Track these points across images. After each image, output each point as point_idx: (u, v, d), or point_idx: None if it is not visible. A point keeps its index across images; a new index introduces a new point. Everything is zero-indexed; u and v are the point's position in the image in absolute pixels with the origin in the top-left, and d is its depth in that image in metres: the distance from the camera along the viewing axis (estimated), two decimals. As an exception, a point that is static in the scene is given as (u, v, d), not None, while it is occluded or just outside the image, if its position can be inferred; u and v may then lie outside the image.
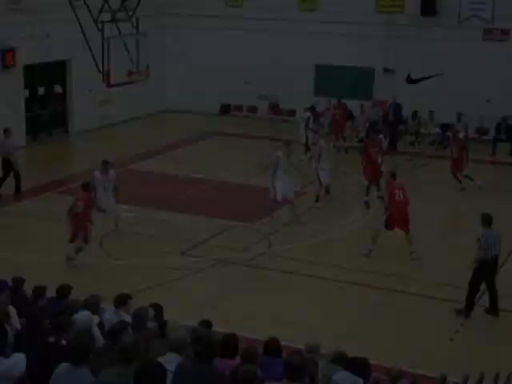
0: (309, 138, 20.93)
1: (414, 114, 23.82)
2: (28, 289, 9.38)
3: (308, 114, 21.49)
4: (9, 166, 17.50)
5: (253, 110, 26.37)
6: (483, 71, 22.98)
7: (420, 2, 23.71)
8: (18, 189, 17.70)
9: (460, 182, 18.72)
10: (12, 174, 17.55)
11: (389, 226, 14.16)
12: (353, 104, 23.96)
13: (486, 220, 11.70)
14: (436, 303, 12.27)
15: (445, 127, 23.28)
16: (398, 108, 23.35)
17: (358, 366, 6.93)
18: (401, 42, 24.10)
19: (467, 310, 11.73)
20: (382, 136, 18.84)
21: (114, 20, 18.06)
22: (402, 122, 23.66)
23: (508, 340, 11.16)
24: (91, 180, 14.46)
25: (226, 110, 26.50)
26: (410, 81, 24.38)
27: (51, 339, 6.26)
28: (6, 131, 17.59)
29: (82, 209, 13.32)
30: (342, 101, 23.37)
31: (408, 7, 24.11)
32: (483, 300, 12.01)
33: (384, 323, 11.62)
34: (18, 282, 9.32)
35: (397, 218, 14.06)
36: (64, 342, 5.99)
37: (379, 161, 17.38)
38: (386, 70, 24.57)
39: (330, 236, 15.43)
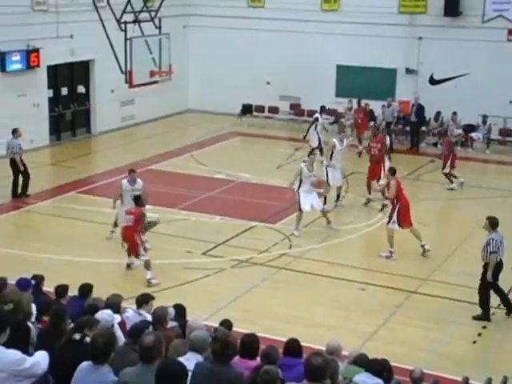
0: (321, 140, 20.50)
1: (437, 114, 23.66)
2: (48, 287, 9.47)
3: (316, 115, 21.13)
4: (15, 167, 17.19)
5: (274, 110, 26.36)
6: (507, 72, 22.77)
7: (443, 3, 23.50)
8: (23, 191, 17.29)
9: (450, 180, 18.87)
10: (20, 174, 17.28)
11: (405, 223, 14.17)
12: (375, 105, 23.90)
13: (495, 223, 11.67)
14: (458, 305, 12.17)
15: (468, 128, 23.15)
16: (420, 109, 23.19)
17: (379, 367, 6.90)
18: (423, 42, 23.95)
19: (484, 314, 11.68)
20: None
21: (137, 21, 18.18)
22: (424, 123, 23.48)
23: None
24: (119, 189, 14.20)
25: (247, 110, 26.52)
26: (433, 82, 24.19)
27: (76, 336, 6.30)
28: (14, 131, 17.31)
29: (132, 222, 12.88)
30: (364, 103, 23.24)
31: (431, 7, 23.93)
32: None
33: (405, 325, 11.55)
34: (39, 279, 9.40)
35: (407, 211, 14.21)
36: (88, 340, 6.02)
37: (383, 159, 17.30)
38: (409, 71, 24.42)
39: (351, 237, 15.37)
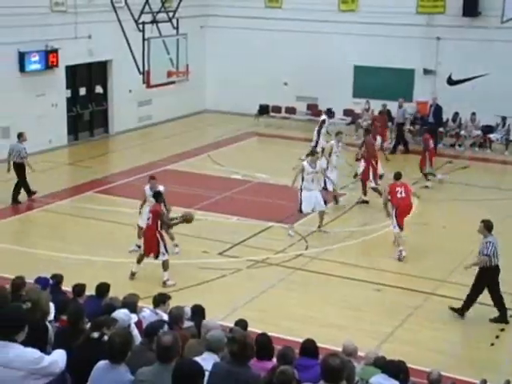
0: (319, 143, 20.07)
1: (455, 115, 23.52)
2: (65, 286, 9.53)
3: (324, 117, 20.81)
4: (22, 170, 16.97)
5: (291, 111, 26.34)
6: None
7: (462, 3, 23.35)
8: (15, 198, 16.95)
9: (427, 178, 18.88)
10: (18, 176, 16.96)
11: (401, 225, 14.28)
12: (393, 106, 23.81)
13: (490, 226, 11.56)
14: (476, 308, 12.08)
15: (487, 129, 23.00)
16: (438, 109, 23.06)
17: (395, 369, 6.88)
18: (441, 42, 23.83)
19: (463, 309, 11.62)
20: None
21: (154, 21, 18.25)
22: (442, 124, 23.35)
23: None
24: (143, 195, 14.06)
25: (264, 110, 26.53)
26: (451, 82, 24.04)
27: (94, 335, 6.33)
28: (20, 136, 17.12)
29: (151, 220, 12.84)
30: (384, 108, 22.84)
31: (449, 8, 23.78)
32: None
33: (422, 326, 11.49)
34: (57, 278, 9.47)
35: (402, 214, 14.28)
36: (106, 339, 6.05)
37: (369, 160, 17.35)
38: (426, 71, 24.30)
39: (366, 238, 15.32)
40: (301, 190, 15.37)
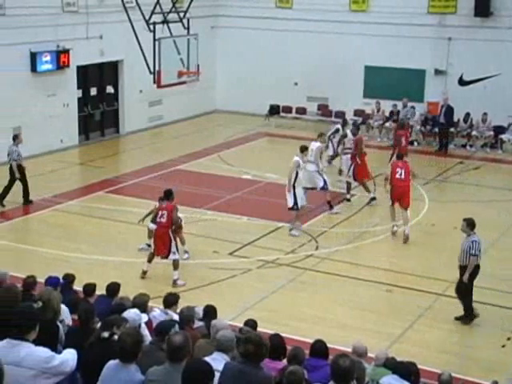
0: (329, 149, 20.08)
1: (466, 116, 23.43)
2: (76, 286, 9.57)
3: (338, 126, 20.43)
4: (22, 172, 16.69)
5: (302, 111, 26.33)
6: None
7: (473, 3, 23.25)
8: (26, 198, 16.85)
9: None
10: (10, 179, 16.65)
11: (392, 201, 15.25)
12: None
13: (473, 224, 11.54)
14: (487, 309, 12.04)
15: (498, 130, 22.90)
16: (449, 110, 22.95)
17: (406, 370, 6.87)
18: (453, 43, 23.75)
19: (470, 316, 11.56)
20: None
21: (165, 21, 18.27)
22: (453, 125, 23.25)
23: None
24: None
25: (274, 110, 26.54)
26: (463, 83, 23.95)
27: (105, 334, 6.35)
28: (15, 137, 16.89)
29: (165, 218, 12.84)
30: (405, 121, 22.22)
31: (461, 8, 23.69)
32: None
33: (433, 327, 11.46)
34: (70, 278, 9.51)
35: (396, 194, 15.13)
36: (116, 338, 6.07)
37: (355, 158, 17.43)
38: (438, 72, 24.22)
39: (376, 239, 15.29)
40: (294, 187, 15.34)
